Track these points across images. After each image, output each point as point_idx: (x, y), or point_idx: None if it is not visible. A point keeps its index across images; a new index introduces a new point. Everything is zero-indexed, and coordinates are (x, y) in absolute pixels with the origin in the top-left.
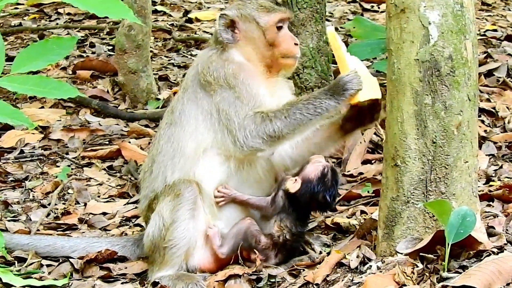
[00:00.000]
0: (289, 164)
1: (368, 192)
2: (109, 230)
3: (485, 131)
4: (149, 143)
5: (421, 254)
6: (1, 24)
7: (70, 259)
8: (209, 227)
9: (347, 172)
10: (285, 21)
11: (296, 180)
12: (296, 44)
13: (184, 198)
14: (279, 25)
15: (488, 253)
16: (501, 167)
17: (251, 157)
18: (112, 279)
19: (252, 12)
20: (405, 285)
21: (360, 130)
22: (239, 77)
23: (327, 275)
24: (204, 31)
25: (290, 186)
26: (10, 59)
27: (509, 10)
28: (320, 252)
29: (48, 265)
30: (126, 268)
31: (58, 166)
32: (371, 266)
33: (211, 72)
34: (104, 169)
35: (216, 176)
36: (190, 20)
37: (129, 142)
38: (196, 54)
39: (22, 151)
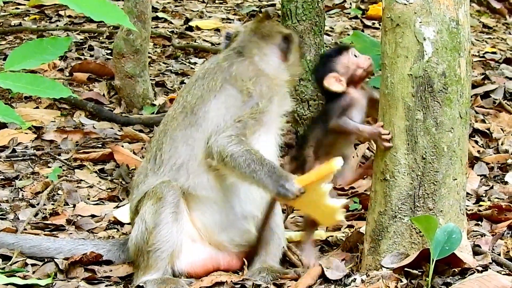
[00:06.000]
0: None
1: (357, 209)
2: (96, 233)
3: (478, 151)
4: (142, 148)
5: (406, 269)
6: (1, 23)
7: (55, 260)
8: None
9: (339, 185)
10: None
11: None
12: None
13: (167, 202)
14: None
15: (472, 271)
16: (492, 187)
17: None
18: (96, 281)
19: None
20: None
21: None
22: (269, 94)
23: (310, 287)
24: (204, 40)
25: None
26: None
27: (510, 33)
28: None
29: (33, 265)
30: (111, 271)
31: (49, 167)
32: (355, 279)
33: (253, 80)
34: (96, 172)
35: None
36: (190, 28)
37: (122, 146)
38: (195, 63)
39: (14, 150)
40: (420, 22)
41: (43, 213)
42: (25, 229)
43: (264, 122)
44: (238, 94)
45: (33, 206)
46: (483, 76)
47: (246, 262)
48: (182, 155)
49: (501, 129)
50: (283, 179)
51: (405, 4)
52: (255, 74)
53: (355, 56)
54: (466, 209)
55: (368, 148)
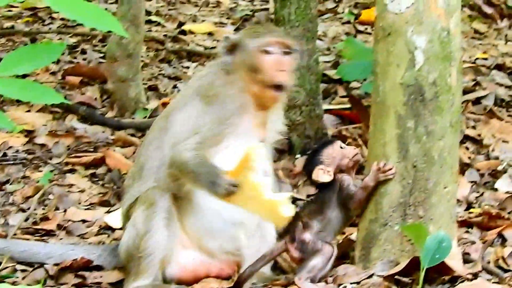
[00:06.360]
0: None
1: None
2: (87, 238)
3: (469, 158)
4: (134, 152)
5: (396, 277)
6: None
7: (45, 265)
8: None
9: None
10: (274, 45)
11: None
12: (282, 71)
13: (158, 207)
14: (266, 50)
15: (462, 280)
16: (482, 194)
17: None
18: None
19: (244, 37)
20: None
21: None
22: (229, 104)
23: None
24: (197, 44)
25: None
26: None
27: (501, 39)
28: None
29: (22, 270)
30: (101, 277)
31: (40, 171)
32: (345, 286)
33: (214, 87)
34: (87, 176)
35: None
36: (183, 32)
37: (114, 151)
38: (188, 67)
39: (5, 154)
40: (411, 31)
41: (34, 218)
42: (15, 234)
43: (230, 133)
44: (202, 104)
45: (23, 210)
46: (474, 82)
47: (237, 269)
48: (156, 160)
49: (492, 136)
50: (214, 176)
51: (396, 13)
52: (221, 84)
53: (341, 147)
54: (456, 216)
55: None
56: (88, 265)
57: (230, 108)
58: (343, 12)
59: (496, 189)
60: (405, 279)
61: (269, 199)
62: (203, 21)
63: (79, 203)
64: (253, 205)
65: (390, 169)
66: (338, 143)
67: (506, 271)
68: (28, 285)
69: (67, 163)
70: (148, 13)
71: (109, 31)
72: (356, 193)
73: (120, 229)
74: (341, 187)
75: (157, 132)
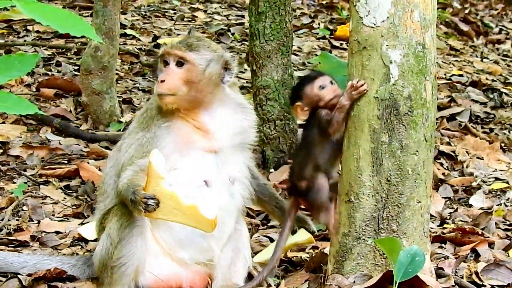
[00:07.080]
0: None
1: (322, 230)
2: (61, 250)
3: (443, 174)
4: None
5: None
6: None
7: (19, 276)
8: None
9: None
10: (167, 56)
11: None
12: (162, 81)
13: (132, 217)
14: (164, 60)
15: None
16: (456, 210)
17: None
18: None
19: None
20: None
21: None
22: (155, 126)
23: None
24: None
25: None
26: None
27: (476, 56)
28: (269, 285)
29: None
30: (74, 287)
31: (14, 182)
32: None
33: (146, 111)
34: (61, 188)
35: None
36: (158, 46)
37: (88, 163)
38: None
39: None
40: (386, 45)
41: (8, 229)
42: None
43: (170, 152)
44: (138, 131)
45: None
46: (449, 99)
47: (210, 281)
48: (112, 177)
49: (466, 152)
50: (132, 195)
51: (372, 27)
52: (149, 107)
53: (321, 87)
54: (430, 231)
55: None
56: (61, 276)
57: (157, 129)
58: (318, 28)
59: (470, 205)
60: None
61: (188, 205)
62: (178, 35)
63: (53, 215)
64: (176, 215)
65: (362, 85)
66: (319, 81)
67: (479, 286)
68: None
69: (41, 175)
70: (123, 26)
71: (84, 43)
72: (333, 116)
73: (94, 240)
74: (319, 120)
75: (115, 150)
